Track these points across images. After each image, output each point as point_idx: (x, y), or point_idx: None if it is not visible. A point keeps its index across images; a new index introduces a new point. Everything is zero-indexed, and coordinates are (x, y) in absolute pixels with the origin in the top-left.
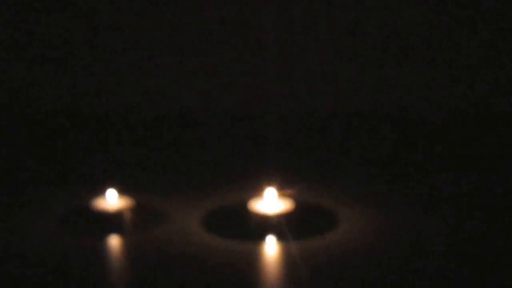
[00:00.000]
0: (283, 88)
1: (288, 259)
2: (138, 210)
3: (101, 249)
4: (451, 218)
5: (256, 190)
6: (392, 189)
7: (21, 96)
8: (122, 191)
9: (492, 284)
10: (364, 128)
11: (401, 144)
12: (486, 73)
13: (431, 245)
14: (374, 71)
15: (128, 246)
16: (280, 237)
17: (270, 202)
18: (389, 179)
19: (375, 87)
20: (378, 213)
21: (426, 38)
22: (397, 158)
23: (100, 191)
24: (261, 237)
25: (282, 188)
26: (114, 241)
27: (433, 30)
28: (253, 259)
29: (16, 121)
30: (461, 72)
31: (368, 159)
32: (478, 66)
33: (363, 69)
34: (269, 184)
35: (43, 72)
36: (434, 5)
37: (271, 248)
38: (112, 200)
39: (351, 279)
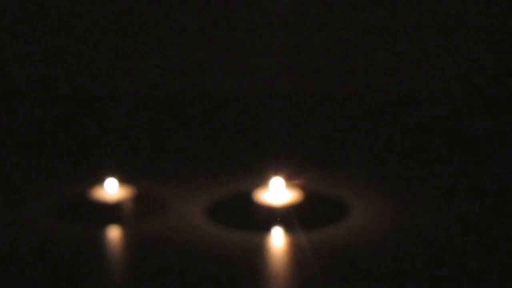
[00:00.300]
0: (292, 72)
1: (295, 250)
2: (139, 199)
3: (100, 239)
4: (466, 209)
5: (262, 179)
6: (405, 178)
7: (17, 83)
8: (122, 179)
9: (508, 280)
10: (376, 115)
11: (415, 132)
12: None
13: (445, 237)
14: (387, 56)
15: (128, 237)
16: (288, 228)
17: (277, 192)
18: (402, 168)
19: (389, 72)
20: (391, 203)
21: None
22: (411, 146)
23: (99, 179)
24: (268, 229)
25: (290, 178)
26: (114, 232)
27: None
28: (259, 251)
29: (13, 109)
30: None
31: (381, 147)
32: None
33: (375, 54)
34: (276, 173)
35: (36, 57)
36: None
37: (278, 239)
38: (112, 189)
39: (361, 271)
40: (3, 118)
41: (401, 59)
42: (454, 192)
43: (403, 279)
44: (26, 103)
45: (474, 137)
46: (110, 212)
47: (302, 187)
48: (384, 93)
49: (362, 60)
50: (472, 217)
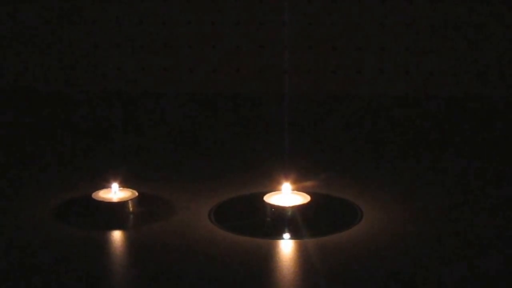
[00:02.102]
0: (305, 71)
1: (303, 256)
2: (143, 202)
3: (104, 242)
4: (479, 214)
5: (272, 182)
6: (418, 183)
7: (20, 80)
8: (126, 181)
9: None
10: (388, 117)
11: (426, 134)
12: None
13: (458, 242)
14: (400, 55)
15: (132, 240)
16: (296, 232)
17: (286, 195)
18: (415, 173)
19: (403, 71)
20: (403, 207)
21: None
22: (423, 149)
23: (103, 181)
24: (276, 232)
25: (300, 181)
26: (117, 234)
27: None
28: (266, 255)
29: (17, 108)
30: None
31: (394, 151)
32: None
33: (388, 52)
34: (286, 176)
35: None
36: None
37: (286, 244)
38: (115, 190)
39: (373, 276)
40: (7, 118)
41: (411, 57)
42: (467, 197)
43: (415, 283)
44: (31, 103)
45: (492, 143)
46: (113, 214)
47: (312, 190)
48: (397, 93)
49: (377, 58)
50: (485, 222)
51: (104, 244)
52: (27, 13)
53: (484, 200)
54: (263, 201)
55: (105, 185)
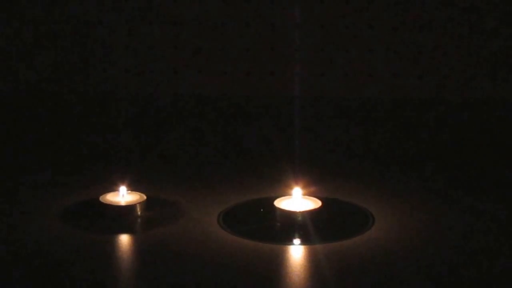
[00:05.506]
0: (314, 74)
1: (313, 261)
2: (151, 205)
3: (112, 246)
4: (491, 220)
5: (282, 186)
6: (429, 189)
7: (26, 85)
8: (134, 185)
9: None
10: (398, 122)
11: (436, 140)
12: None
13: (468, 247)
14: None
15: (139, 243)
16: (306, 237)
17: (297, 199)
18: (426, 177)
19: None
20: (415, 213)
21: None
22: (433, 154)
23: (111, 184)
24: (286, 237)
25: (310, 185)
26: (125, 238)
27: None
28: (277, 260)
29: (27, 113)
30: None
31: (404, 155)
32: None
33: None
34: (297, 181)
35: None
36: None
37: (296, 249)
38: (123, 193)
39: (383, 282)
40: (15, 120)
41: (424, 60)
42: (478, 203)
43: None
44: (38, 106)
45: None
46: (121, 217)
47: (322, 195)
48: (412, 96)
49: (388, 60)
50: (497, 227)
51: (111, 247)
52: None
53: (497, 210)
54: (273, 205)
55: (113, 188)
